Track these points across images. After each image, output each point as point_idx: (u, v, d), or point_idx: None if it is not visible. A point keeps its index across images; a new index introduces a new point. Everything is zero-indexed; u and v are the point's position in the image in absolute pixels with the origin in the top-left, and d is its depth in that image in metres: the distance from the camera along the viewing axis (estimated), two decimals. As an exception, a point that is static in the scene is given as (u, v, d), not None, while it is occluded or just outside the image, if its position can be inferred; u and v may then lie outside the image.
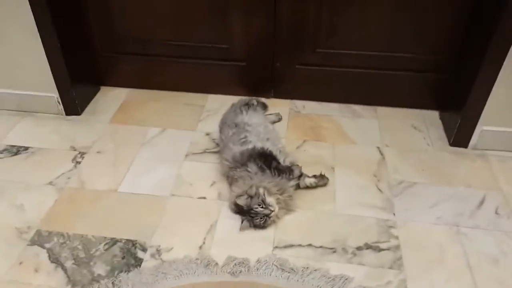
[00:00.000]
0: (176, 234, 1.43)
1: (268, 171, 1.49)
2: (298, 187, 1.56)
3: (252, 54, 1.93)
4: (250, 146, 1.57)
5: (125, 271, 1.32)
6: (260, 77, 1.99)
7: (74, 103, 1.89)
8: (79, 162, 1.70)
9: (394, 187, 1.60)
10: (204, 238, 1.42)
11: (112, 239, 1.42)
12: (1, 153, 1.74)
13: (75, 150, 1.76)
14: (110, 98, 2.04)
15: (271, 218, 1.43)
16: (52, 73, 1.80)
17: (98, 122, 1.90)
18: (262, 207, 1.40)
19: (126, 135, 1.83)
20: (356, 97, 2.00)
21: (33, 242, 1.41)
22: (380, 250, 1.39)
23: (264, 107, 1.92)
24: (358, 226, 1.46)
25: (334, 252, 1.38)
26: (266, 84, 2.00)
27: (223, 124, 1.73)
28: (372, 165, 1.70)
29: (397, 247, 1.39)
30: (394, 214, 1.50)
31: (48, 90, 1.86)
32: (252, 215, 1.41)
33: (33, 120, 1.91)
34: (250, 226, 1.43)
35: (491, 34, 1.47)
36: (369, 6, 1.75)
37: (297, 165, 1.58)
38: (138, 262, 1.35)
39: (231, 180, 1.55)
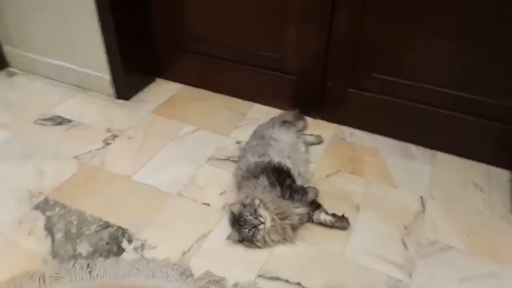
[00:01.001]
0: (166, 234, 1.37)
1: (279, 188, 1.37)
2: (310, 220, 1.40)
3: (303, 69, 1.81)
4: (267, 159, 1.46)
5: (104, 257, 1.29)
6: (309, 95, 1.86)
7: (124, 88, 1.95)
8: (109, 144, 1.73)
9: (424, 246, 1.36)
10: (191, 246, 1.33)
11: (106, 222, 1.40)
12: (47, 121, 1.85)
13: (110, 131, 1.80)
14: (161, 90, 2.06)
15: (260, 232, 1.29)
16: (107, 57, 1.88)
17: (141, 110, 1.93)
18: (252, 217, 1.28)
19: (161, 127, 1.83)
20: (414, 136, 1.76)
21: (37, 207, 1.44)
22: (378, 312, 1.17)
23: (302, 125, 1.80)
24: (363, 279, 1.26)
25: (324, 298, 1.20)
26: (314, 103, 1.87)
27: (253, 134, 1.65)
28: (407, 215, 1.46)
29: (399, 315, 1.16)
30: (410, 276, 1.26)
31: (103, 72, 1.94)
32: (241, 223, 1.29)
33: (85, 97, 2.01)
34: (238, 238, 1.32)
35: None
36: (440, 35, 1.54)
37: (314, 188, 1.43)
38: (120, 251, 1.31)
39: (238, 186, 1.46)
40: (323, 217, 1.39)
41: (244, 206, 1.31)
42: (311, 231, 1.39)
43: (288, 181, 1.40)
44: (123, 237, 1.36)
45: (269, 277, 1.25)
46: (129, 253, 1.31)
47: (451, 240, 1.38)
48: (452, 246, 1.36)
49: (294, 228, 1.35)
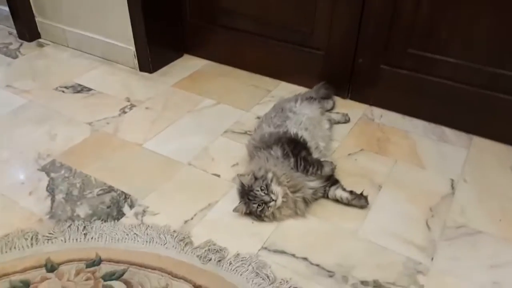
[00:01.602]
0: (170, 202, 1.30)
1: (293, 159, 1.26)
2: (325, 196, 1.29)
3: (333, 44, 1.69)
4: (283, 129, 1.36)
5: (102, 220, 1.24)
6: (338, 72, 1.73)
7: (147, 60, 1.91)
8: (125, 112, 1.69)
9: (450, 229, 1.21)
10: (195, 215, 1.25)
11: (109, 187, 1.35)
12: (67, 88, 1.84)
13: (128, 101, 1.76)
14: (186, 66, 2.01)
15: (269, 209, 1.19)
16: (132, 28, 1.85)
17: (162, 83, 1.88)
18: (263, 192, 1.18)
19: (180, 100, 1.77)
20: (450, 118, 1.60)
21: (43, 169, 1.41)
22: (391, 294, 1.04)
23: (331, 105, 1.68)
24: (378, 259, 1.13)
25: (331, 276, 1.08)
26: (343, 81, 1.74)
27: (274, 107, 1.56)
28: (434, 197, 1.32)
29: (416, 300, 1.03)
30: (432, 259, 1.12)
31: (129, 44, 1.91)
32: (250, 197, 1.20)
33: (109, 68, 1.99)
34: (246, 212, 1.22)
35: None
36: (485, 8, 1.39)
37: (331, 162, 1.31)
38: (120, 216, 1.25)
39: (250, 156, 1.38)
40: (339, 193, 1.27)
41: (256, 178, 1.21)
42: (324, 207, 1.28)
43: (303, 153, 1.29)
44: (125, 202, 1.30)
45: (273, 250, 1.15)
46: (129, 218, 1.24)
47: (481, 224, 1.23)
48: (481, 230, 1.21)
49: (306, 202, 1.24)
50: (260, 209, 1.19)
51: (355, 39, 1.64)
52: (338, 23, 1.64)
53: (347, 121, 1.64)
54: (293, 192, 1.22)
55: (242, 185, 1.23)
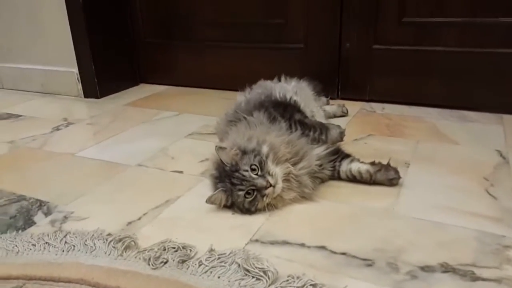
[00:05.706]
0: (106, 204, 0.89)
1: (283, 123, 0.90)
2: (335, 175, 0.90)
3: (312, 30, 1.42)
4: (265, 94, 1.01)
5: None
6: (323, 65, 1.43)
7: (93, 83, 1.58)
8: (59, 129, 1.33)
9: (524, 195, 0.83)
10: (144, 214, 0.83)
11: (20, 196, 0.94)
12: (-9, 117, 1.47)
13: (65, 120, 1.40)
14: (143, 91, 1.70)
15: (264, 198, 0.78)
16: (75, 49, 1.58)
17: (112, 104, 1.55)
18: (255, 173, 0.78)
19: (132, 114, 1.43)
20: (469, 99, 1.29)
21: None
22: (477, 279, 0.61)
23: (323, 102, 1.33)
24: (436, 236, 0.72)
25: (370, 266, 0.65)
26: (330, 77, 1.43)
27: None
28: (484, 167, 0.96)
29: (519, 280, 0.60)
30: (518, 229, 0.72)
31: (70, 66, 1.61)
32: (234, 181, 0.78)
33: (49, 99, 1.67)
34: (226, 204, 0.81)
35: None
36: None
37: (338, 125, 0.96)
38: (27, 225, 0.82)
39: (222, 137, 0.98)
40: (356, 166, 0.88)
41: (244, 152, 0.81)
42: (337, 188, 0.90)
43: (297, 115, 0.93)
44: (39, 209, 0.88)
45: (269, 242, 0.72)
46: (40, 227, 0.82)
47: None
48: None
49: (313, 177, 0.84)
50: (249, 198, 0.78)
51: (338, 19, 1.37)
52: (315, 4, 1.39)
53: (344, 113, 1.30)
54: (295, 164, 0.82)
55: (221, 165, 0.82)
